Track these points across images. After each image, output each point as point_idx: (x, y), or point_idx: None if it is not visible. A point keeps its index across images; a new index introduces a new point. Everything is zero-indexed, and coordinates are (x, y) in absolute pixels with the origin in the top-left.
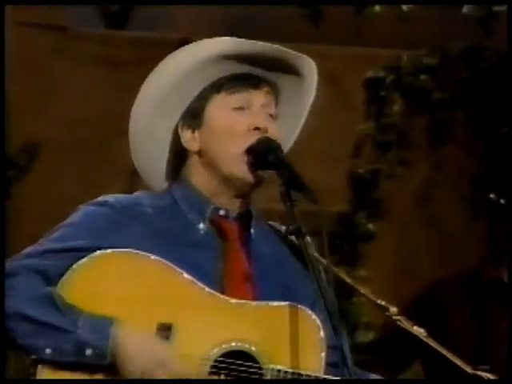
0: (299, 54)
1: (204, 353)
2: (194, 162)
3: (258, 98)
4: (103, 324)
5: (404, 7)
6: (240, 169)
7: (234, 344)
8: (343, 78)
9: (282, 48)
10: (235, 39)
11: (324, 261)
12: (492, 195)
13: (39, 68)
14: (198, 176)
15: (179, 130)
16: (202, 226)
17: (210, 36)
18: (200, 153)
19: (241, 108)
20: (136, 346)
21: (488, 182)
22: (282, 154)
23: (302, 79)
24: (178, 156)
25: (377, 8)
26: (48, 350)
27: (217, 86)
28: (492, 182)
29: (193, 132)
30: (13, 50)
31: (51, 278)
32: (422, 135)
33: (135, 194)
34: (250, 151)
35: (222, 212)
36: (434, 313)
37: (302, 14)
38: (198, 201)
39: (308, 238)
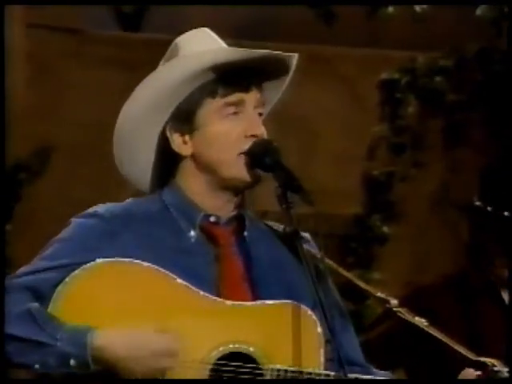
0: (290, 54)
1: (202, 357)
2: (186, 166)
3: (250, 100)
4: (79, 334)
5: (417, 8)
6: (238, 170)
7: (231, 346)
8: (357, 79)
9: (270, 52)
10: (226, 49)
11: (319, 256)
12: (477, 202)
13: (52, 70)
14: (191, 179)
15: (167, 134)
16: (192, 233)
17: (223, 37)
18: (194, 157)
19: (235, 113)
20: (125, 345)
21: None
22: (278, 156)
23: (285, 77)
24: (167, 159)
25: (390, 9)
26: (37, 366)
27: (210, 91)
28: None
29: (182, 135)
30: (26, 52)
31: (43, 293)
32: (436, 137)
33: (126, 201)
34: (246, 154)
35: (212, 218)
36: (421, 316)
37: (314, 15)
38: (188, 208)
39: (308, 236)
